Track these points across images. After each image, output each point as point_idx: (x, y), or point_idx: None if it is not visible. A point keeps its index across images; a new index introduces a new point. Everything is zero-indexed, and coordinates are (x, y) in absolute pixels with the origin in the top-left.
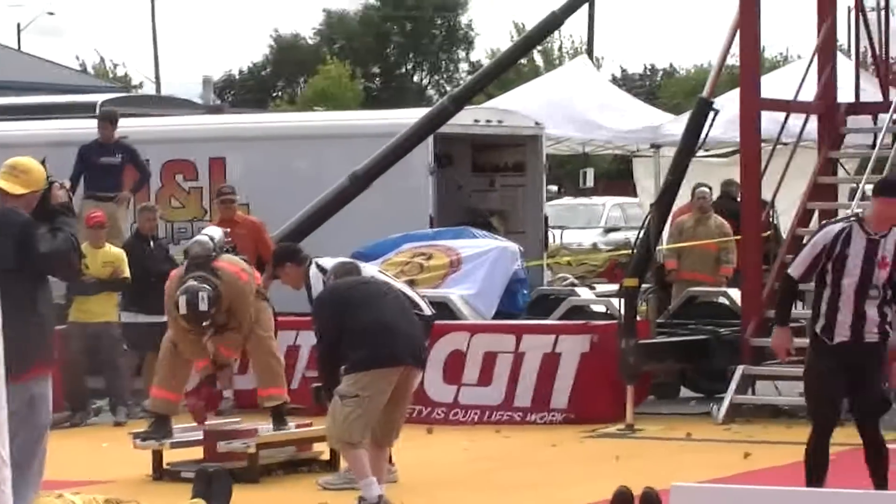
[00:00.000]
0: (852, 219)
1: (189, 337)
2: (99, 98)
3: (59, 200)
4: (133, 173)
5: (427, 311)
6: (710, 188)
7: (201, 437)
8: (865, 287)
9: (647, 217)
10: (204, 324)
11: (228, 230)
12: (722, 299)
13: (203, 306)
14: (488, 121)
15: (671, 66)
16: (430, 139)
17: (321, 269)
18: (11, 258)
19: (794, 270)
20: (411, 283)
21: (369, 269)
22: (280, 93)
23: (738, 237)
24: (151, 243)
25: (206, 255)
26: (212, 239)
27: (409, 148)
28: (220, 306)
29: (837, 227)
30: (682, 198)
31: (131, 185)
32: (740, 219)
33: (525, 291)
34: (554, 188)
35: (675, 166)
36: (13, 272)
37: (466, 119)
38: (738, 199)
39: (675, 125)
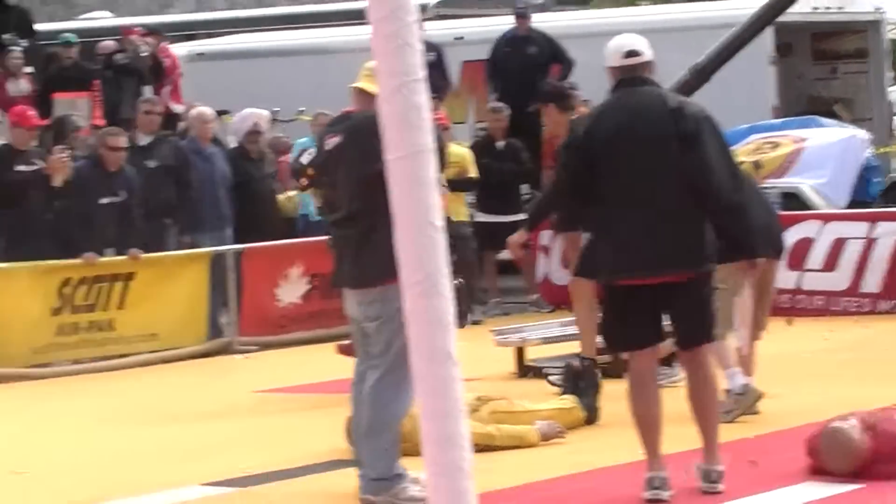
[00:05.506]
0: None
1: None
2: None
3: None
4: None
5: None
6: None
7: (561, 334)
8: None
9: None
10: None
11: None
12: None
13: None
14: (828, 8)
15: None
16: (770, 29)
17: None
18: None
19: None
20: (757, 167)
21: None
22: None
23: None
24: (498, 144)
25: None
26: None
27: (749, 39)
28: None
29: None
30: None
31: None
32: None
33: (877, 179)
34: None
35: None
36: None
37: (805, 7)
38: None
39: None
